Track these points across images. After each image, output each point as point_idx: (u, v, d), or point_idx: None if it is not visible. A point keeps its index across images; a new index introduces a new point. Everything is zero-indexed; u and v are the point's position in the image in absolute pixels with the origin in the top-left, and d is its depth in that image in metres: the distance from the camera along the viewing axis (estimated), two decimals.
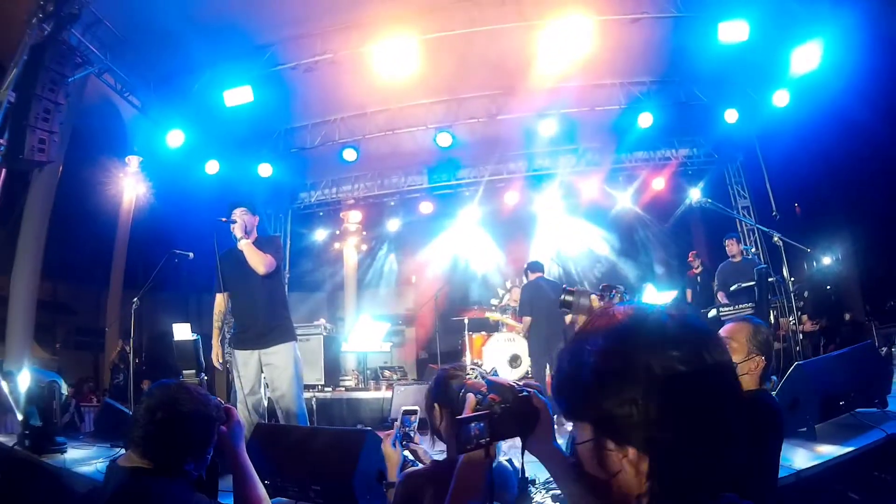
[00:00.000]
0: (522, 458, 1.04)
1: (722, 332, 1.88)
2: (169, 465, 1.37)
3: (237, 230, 3.50)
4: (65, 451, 3.59)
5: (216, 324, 3.77)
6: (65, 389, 4.58)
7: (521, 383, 1.06)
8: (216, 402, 1.50)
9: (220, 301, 3.72)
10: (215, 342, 3.76)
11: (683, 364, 0.61)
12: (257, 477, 1.53)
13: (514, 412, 1.01)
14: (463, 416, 1.02)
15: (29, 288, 6.33)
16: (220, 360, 3.78)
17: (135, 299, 5.41)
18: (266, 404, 3.68)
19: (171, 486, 1.35)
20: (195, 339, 4.11)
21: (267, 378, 3.57)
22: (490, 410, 1.02)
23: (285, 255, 8.64)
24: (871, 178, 8.62)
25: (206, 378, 4.25)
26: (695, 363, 0.61)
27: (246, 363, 3.55)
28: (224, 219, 3.55)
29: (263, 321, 3.55)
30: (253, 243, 3.54)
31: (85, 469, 3.31)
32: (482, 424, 1.00)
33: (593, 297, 2.16)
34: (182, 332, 4.19)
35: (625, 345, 0.64)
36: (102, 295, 10.99)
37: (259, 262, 3.49)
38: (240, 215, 3.55)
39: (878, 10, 5.87)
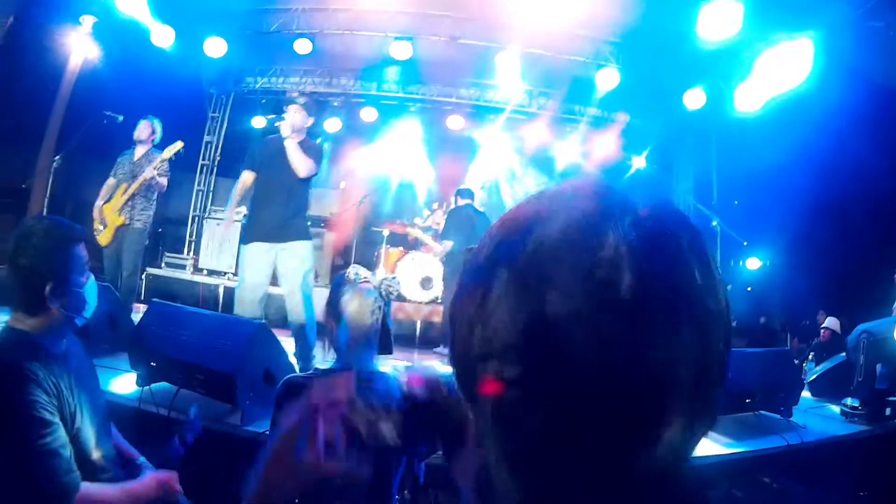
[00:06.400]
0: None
1: None
2: (32, 300, 1.31)
3: (285, 127, 3.52)
4: None
5: (237, 197, 3.82)
6: None
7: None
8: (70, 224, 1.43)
9: (248, 179, 3.72)
10: (230, 213, 4.12)
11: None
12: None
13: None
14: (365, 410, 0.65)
15: None
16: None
17: (56, 157, 5.18)
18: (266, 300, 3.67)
19: (44, 339, 1.34)
20: None
21: (279, 272, 3.55)
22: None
23: (220, 138, 8.46)
24: (818, 201, 8.85)
25: None
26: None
27: (259, 256, 3.54)
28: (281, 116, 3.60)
29: (283, 215, 3.56)
30: (299, 144, 3.55)
31: None
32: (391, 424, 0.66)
33: None
34: None
35: None
36: (34, 157, 10.49)
37: (301, 164, 3.52)
38: (292, 113, 3.57)
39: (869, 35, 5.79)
